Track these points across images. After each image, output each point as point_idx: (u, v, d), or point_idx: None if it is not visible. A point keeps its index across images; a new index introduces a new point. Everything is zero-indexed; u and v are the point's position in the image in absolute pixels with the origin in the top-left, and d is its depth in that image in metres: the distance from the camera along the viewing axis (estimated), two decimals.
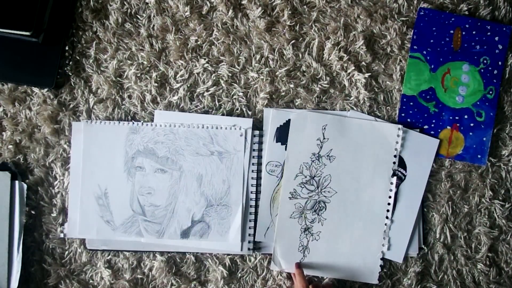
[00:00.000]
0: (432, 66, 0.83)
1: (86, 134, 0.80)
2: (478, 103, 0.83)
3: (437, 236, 0.82)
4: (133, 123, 0.80)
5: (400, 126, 0.81)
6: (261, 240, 0.80)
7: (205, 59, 0.82)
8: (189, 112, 0.82)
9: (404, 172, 0.81)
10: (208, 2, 0.83)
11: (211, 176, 0.80)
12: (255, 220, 0.80)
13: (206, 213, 0.79)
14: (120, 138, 0.80)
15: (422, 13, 0.83)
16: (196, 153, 0.80)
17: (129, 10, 0.83)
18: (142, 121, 0.81)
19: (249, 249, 0.79)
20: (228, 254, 0.81)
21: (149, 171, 0.79)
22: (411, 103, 0.82)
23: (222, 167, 0.80)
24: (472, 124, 0.83)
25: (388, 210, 0.80)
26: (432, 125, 0.82)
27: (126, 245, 0.79)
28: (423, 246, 0.82)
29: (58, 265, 0.81)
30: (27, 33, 0.75)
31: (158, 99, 0.82)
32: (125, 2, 0.83)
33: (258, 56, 0.82)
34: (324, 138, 0.80)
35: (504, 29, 0.83)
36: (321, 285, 0.78)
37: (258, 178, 0.81)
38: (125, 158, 0.79)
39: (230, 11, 0.82)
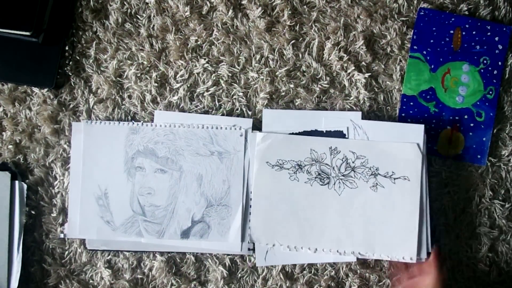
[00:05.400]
0: (432, 66, 0.83)
1: (86, 135, 0.80)
2: (478, 103, 0.83)
3: (437, 236, 0.82)
4: (133, 123, 0.80)
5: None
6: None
7: (205, 59, 0.82)
8: (189, 112, 0.82)
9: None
10: (208, 2, 0.83)
11: (211, 176, 0.80)
12: None
13: (206, 213, 0.79)
14: (120, 138, 0.80)
15: (422, 13, 0.83)
16: (196, 153, 0.80)
17: (129, 10, 0.83)
18: (142, 121, 0.81)
19: (249, 249, 0.79)
20: (228, 254, 0.81)
21: (149, 171, 0.79)
22: (411, 103, 0.82)
23: (222, 167, 0.80)
24: (472, 124, 0.83)
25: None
26: (432, 125, 0.82)
27: (126, 245, 0.79)
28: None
29: (58, 265, 0.81)
30: (27, 33, 0.75)
31: (158, 99, 0.82)
32: (125, 2, 0.83)
33: (258, 56, 0.82)
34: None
35: (504, 29, 0.83)
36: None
37: None
38: (125, 159, 0.79)
39: (230, 11, 0.82)
